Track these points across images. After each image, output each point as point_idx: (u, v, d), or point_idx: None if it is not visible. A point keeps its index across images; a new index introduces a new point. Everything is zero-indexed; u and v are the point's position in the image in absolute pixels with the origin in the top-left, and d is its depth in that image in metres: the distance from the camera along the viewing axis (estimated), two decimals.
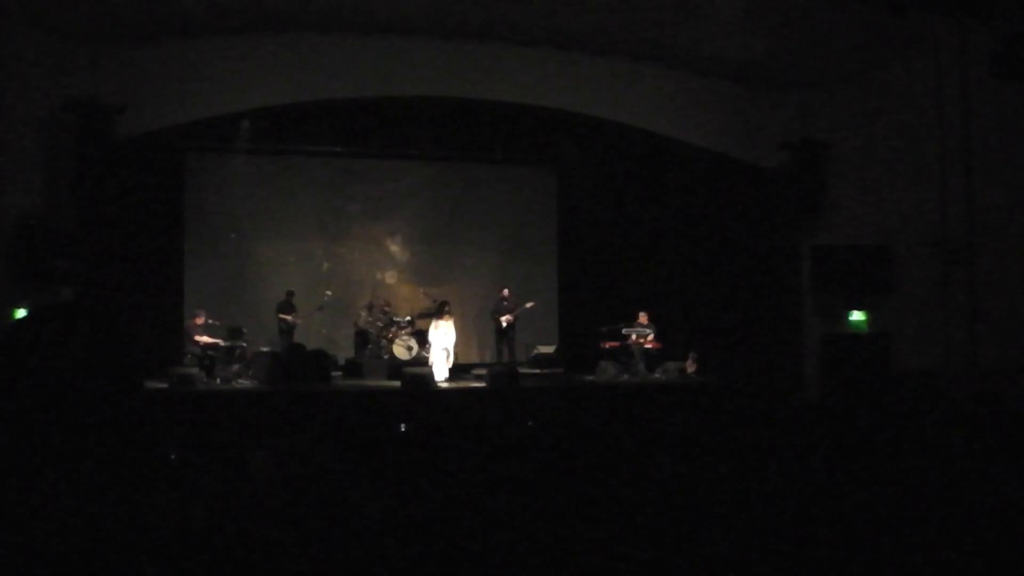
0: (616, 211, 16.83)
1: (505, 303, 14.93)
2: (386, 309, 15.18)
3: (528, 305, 14.94)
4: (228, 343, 13.42)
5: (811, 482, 6.79)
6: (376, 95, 13.89)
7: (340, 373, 14.30)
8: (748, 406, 12.07)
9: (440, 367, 13.43)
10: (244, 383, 12.90)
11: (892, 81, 13.58)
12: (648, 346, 14.68)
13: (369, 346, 14.88)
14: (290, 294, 14.75)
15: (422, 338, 14.56)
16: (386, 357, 14.62)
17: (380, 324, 14.96)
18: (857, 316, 13.92)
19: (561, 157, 16.75)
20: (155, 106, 12.97)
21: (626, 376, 14.45)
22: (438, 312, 13.85)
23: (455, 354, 13.90)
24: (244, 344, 13.56)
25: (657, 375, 14.45)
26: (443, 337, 13.63)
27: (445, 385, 13.17)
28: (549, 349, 15.74)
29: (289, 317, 14.55)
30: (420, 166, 16.87)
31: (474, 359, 15.11)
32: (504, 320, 14.82)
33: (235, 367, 13.16)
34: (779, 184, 14.99)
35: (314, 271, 16.27)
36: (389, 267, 16.76)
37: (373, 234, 16.70)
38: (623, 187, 16.78)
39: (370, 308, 15.13)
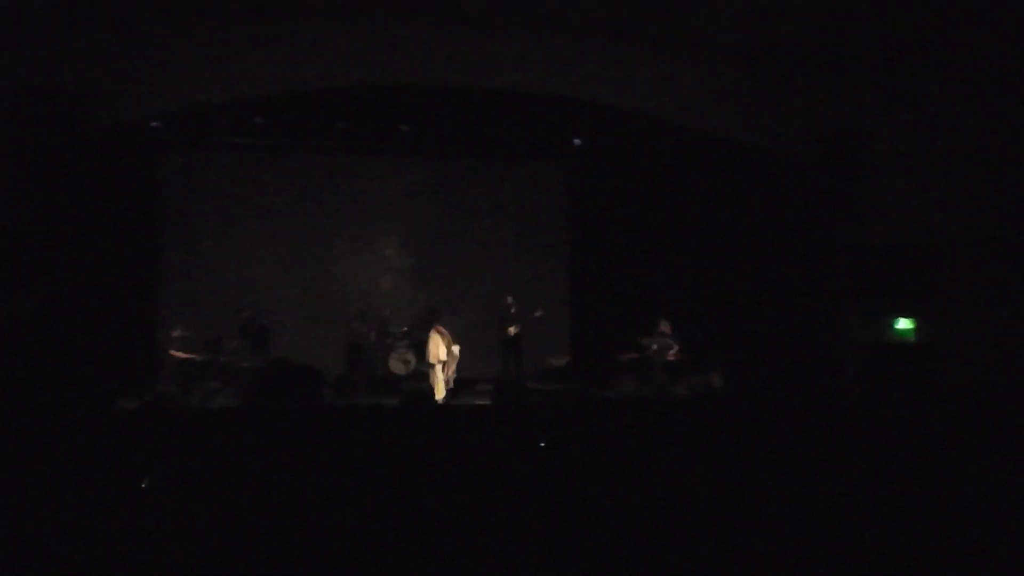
0: (632, 209, 16.81)
1: (511, 311, 14.89)
2: (381, 318, 15.15)
3: (536, 313, 14.91)
4: (206, 357, 13.43)
5: (853, 506, 6.75)
6: (368, 84, 13.88)
7: (330, 390, 14.27)
8: (781, 423, 12.02)
9: (437, 382, 13.43)
10: (224, 401, 12.92)
11: (937, 61, 13.52)
12: (670, 358, 14.68)
13: (362, 360, 14.86)
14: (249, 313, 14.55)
15: (421, 351, 14.59)
16: (381, 372, 14.58)
17: (374, 335, 14.93)
18: (903, 323, 13.85)
19: (571, 150, 16.73)
20: (125, 96, 12.97)
21: (646, 391, 14.47)
22: (428, 321, 13.88)
23: (454, 367, 13.92)
24: (224, 359, 13.57)
25: (680, 389, 14.43)
26: (438, 349, 13.64)
27: (444, 402, 13.18)
28: (560, 362, 15.70)
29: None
30: (417, 162, 16.91)
31: (477, 373, 15.06)
32: (510, 330, 14.77)
33: (214, 384, 13.19)
34: (812, 177, 14.94)
35: (302, 277, 16.28)
36: (384, 272, 16.76)
37: (366, 236, 16.74)
38: (639, 183, 16.76)
39: (363, 317, 15.11)
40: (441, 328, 13.92)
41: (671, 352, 14.73)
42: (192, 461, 8.76)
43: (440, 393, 13.41)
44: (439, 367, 13.66)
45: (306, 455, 9.19)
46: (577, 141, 16.47)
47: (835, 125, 14.60)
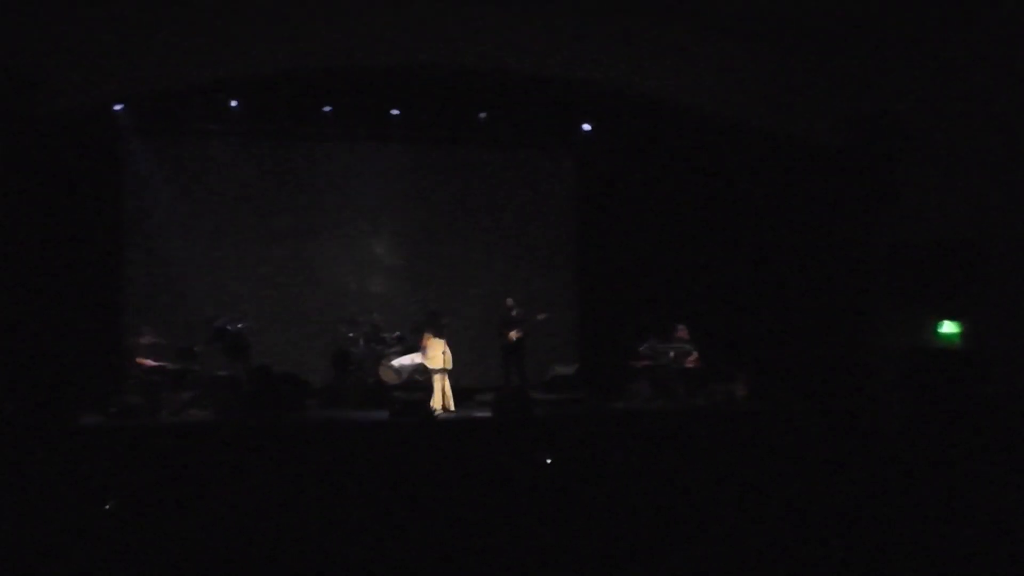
0: (647, 202, 16.71)
1: (511, 314, 14.84)
2: (371, 322, 15.11)
3: (540, 316, 14.77)
4: (178, 366, 13.39)
5: (890, 528, 6.71)
6: (356, 65, 13.81)
7: (315, 401, 14.22)
8: (811, 437, 11.95)
9: (436, 393, 13.41)
10: (198, 414, 12.88)
11: (983, 39, 13.44)
12: (688, 365, 14.62)
13: (350, 368, 14.81)
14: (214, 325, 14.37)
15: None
16: (371, 381, 14.55)
17: (363, 341, 14.89)
18: (948, 327, 13.79)
19: (580, 137, 16.67)
20: (85, 78, 12.85)
21: (662, 402, 14.39)
22: (428, 325, 13.78)
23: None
24: (197, 367, 13.54)
25: (700, 400, 14.41)
26: (439, 356, 13.58)
27: (443, 415, 13.14)
28: (568, 370, 15.61)
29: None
30: (410, 150, 16.78)
31: (477, 382, 14.98)
32: (511, 335, 14.69)
33: (186, 395, 13.13)
34: (847, 167, 14.86)
35: (284, 276, 16.22)
36: (374, 271, 16.68)
37: (354, 232, 16.66)
38: (655, 173, 16.65)
39: (351, 321, 15.05)
40: (435, 334, 13.76)
41: (689, 359, 14.64)
42: (162, 481, 8.72)
43: (438, 403, 13.31)
44: (439, 376, 13.51)
45: (289, 473, 9.15)
46: (586, 127, 16.37)
47: (872, 109, 14.51)
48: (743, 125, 14.99)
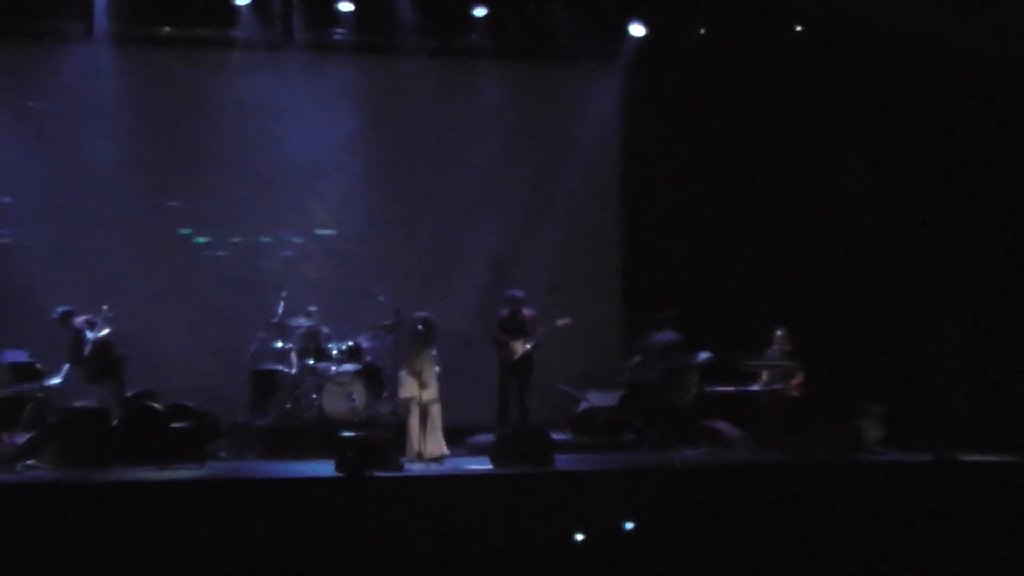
0: (726, 142, 16.73)
1: (518, 317, 14.71)
2: (309, 328, 15.01)
3: (560, 322, 14.87)
4: (11, 394, 13.34)
5: None
6: None
7: (225, 444, 14.24)
8: (983, 500, 11.67)
9: (435, 432, 13.39)
10: (42, 468, 12.73)
11: None
12: (792, 393, 14.53)
13: (278, 395, 14.69)
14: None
15: (376, 380, 14.55)
16: (309, 415, 14.48)
17: (296, 356, 14.84)
18: None
19: (626, 44, 16.54)
20: None
21: (751, 448, 14.48)
22: (425, 334, 13.68)
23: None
24: (40, 395, 13.37)
25: (809, 446, 14.08)
26: (430, 378, 13.52)
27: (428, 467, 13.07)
28: (605, 400, 15.44)
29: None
30: (369, 66, 16.84)
31: (468, 419, 14.80)
32: (519, 348, 14.59)
33: (25, 439, 13.00)
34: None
35: (174, 257, 16.15)
36: (315, 253, 16.48)
37: (284, 191, 16.58)
38: (740, 98, 16.63)
39: (281, 327, 14.86)
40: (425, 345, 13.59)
41: (793, 383, 14.56)
42: None
43: (425, 448, 13.23)
44: (415, 405, 13.32)
45: (184, 555, 8.87)
46: (637, 28, 16.28)
47: None
48: (889, 32, 15.08)
